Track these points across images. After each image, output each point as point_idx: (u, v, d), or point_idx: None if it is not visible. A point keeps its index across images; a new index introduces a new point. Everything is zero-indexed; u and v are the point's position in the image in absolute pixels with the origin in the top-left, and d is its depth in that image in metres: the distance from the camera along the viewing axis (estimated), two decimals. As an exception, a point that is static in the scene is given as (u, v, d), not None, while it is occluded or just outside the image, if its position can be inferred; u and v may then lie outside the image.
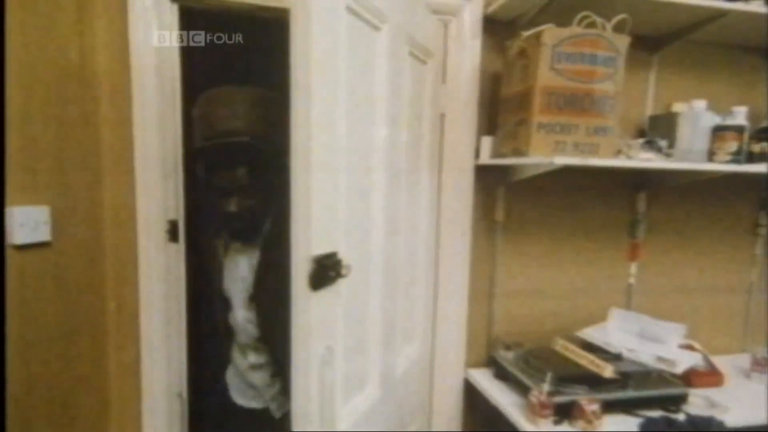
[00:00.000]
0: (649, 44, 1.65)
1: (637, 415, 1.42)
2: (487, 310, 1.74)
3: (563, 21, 1.32)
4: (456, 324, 1.70)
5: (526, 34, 1.32)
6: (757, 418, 1.47)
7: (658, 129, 1.52)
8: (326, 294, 0.91)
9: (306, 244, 0.86)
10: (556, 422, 1.37)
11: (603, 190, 1.74)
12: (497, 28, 1.54)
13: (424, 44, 1.36)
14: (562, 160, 1.24)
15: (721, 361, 1.77)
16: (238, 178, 1.24)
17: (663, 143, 1.46)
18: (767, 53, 1.72)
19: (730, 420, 1.42)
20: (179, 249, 1.39)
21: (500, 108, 1.51)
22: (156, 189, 1.37)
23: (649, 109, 1.67)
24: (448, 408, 1.73)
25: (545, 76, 1.27)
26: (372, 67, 1.09)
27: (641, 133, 1.64)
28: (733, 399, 1.53)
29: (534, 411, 1.37)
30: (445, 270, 1.66)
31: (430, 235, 1.61)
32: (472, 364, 1.74)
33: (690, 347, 1.67)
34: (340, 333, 1.00)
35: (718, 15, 1.40)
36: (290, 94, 0.83)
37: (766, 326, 1.93)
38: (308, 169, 0.84)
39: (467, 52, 1.53)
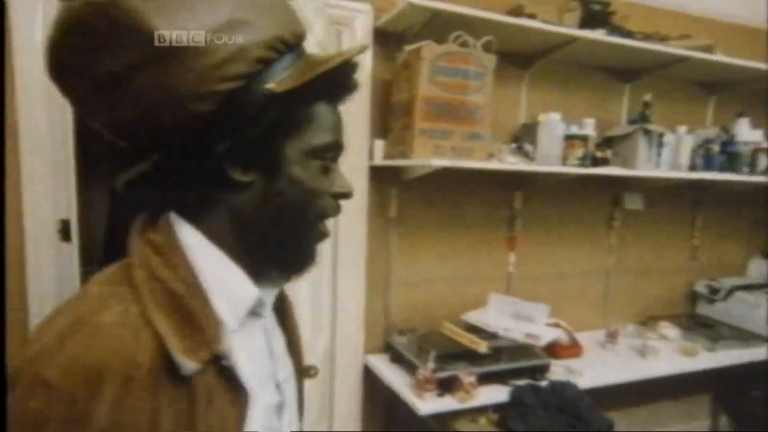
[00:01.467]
0: (521, 61, 1.87)
1: (508, 384, 1.63)
2: (384, 299, 1.88)
3: (443, 37, 1.49)
4: (355, 314, 1.82)
5: (408, 48, 1.47)
6: (605, 380, 1.75)
7: (527, 136, 1.75)
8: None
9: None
10: (440, 395, 1.54)
11: (485, 189, 1.94)
12: (388, 40, 1.68)
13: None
14: (438, 162, 1.40)
15: (583, 336, 2.07)
16: None
17: (530, 148, 1.69)
18: (616, 73, 2.02)
19: (584, 382, 1.68)
20: (72, 249, 1.38)
21: (390, 114, 1.65)
22: (45, 184, 1.34)
23: (522, 118, 1.90)
24: (349, 392, 1.86)
25: (425, 87, 1.43)
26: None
27: (515, 139, 1.87)
28: (588, 366, 1.80)
29: (420, 386, 1.53)
30: (344, 264, 1.78)
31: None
32: (371, 350, 1.87)
33: (557, 325, 1.93)
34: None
35: (569, 40, 1.64)
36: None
37: (621, 305, 2.26)
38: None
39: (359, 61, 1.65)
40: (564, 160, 1.61)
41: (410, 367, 1.66)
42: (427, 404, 1.50)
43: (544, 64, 1.85)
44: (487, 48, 1.48)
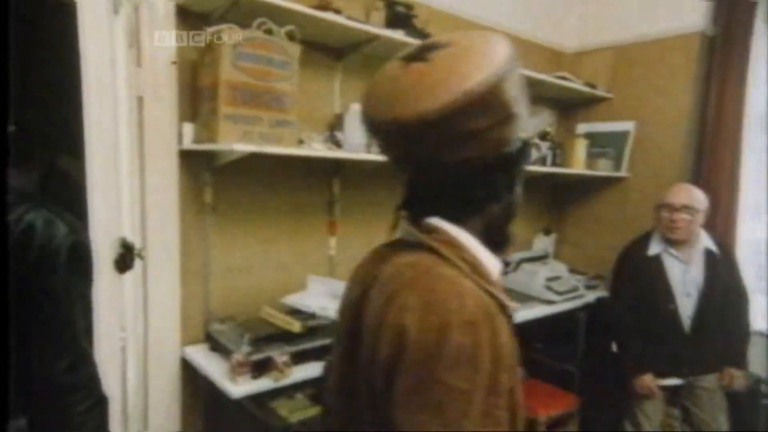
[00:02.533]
0: (334, 53, 1.97)
1: (324, 360, 1.73)
2: (203, 288, 1.83)
3: (249, 23, 1.50)
4: (170, 306, 1.75)
5: (210, 30, 1.45)
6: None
7: (339, 125, 1.85)
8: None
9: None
10: (254, 377, 1.57)
11: (304, 176, 2.01)
12: (192, 19, 1.62)
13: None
14: (243, 148, 1.41)
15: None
16: None
17: (340, 136, 1.79)
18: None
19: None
20: None
21: (198, 97, 1.60)
22: None
23: (337, 108, 2.01)
24: (165, 387, 1.78)
25: (228, 72, 1.42)
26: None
27: (331, 128, 1.96)
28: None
29: (234, 371, 1.54)
30: (155, 255, 1.69)
31: (135, 220, 1.61)
32: (191, 341, 1.81)
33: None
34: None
35: (372, 38, 1.77)
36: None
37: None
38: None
39: (163, 39, 1.57)
40: (369, 148, 1.75)
41: (228, 354, 1.66)
42: (241, 387, 1.52)
43: (355, 57, 1.97)
44: (291, 37, 1.52)
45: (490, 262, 0.72)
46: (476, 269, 0.68)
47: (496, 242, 0.75)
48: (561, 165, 2.61)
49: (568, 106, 2.97)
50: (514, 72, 0.64)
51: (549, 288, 2.52)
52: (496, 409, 0.60)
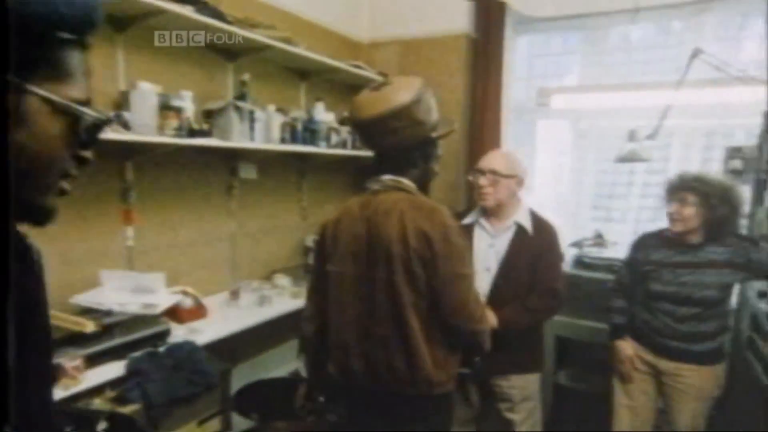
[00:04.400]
0: (115, 23, 1.79)
1: (126, 359, 1.61)
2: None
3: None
4: None
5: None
6: (226, 331, 1.94)
7: (127, 105, 1.70)
8: None
9: None
10: (37, 390, 1.39)
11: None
12: None
13: None
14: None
15: (215, 298, 2.23)
16: None
17: (130, 117, 1.66)
18: (219, 51, 2.19)
19: (205, 338, 1.83)
20: None
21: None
22: None
23: (123, 85, 1.84)
24: None
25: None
26: None
27: (118, 107, 1.79)
28: (211, 324, 1.96)
29: (8, 387, 1.34)
30: None
31: None
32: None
33: (184, 292, 2.01)
34: None
35: (157, 11, 1.67)
36: None
37: (247, 265, 2.53)
38: None
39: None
40: (160, 130, 1.66)
41: None
42: (19, 403, 1.33)
43: (141, 31, 1.82)
44: None
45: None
46: None
47: (424, 189, 1.39)
48: (362, 148, 2.83)
49: (367, 94, 3.22)
50: (424, 96, 1.28)
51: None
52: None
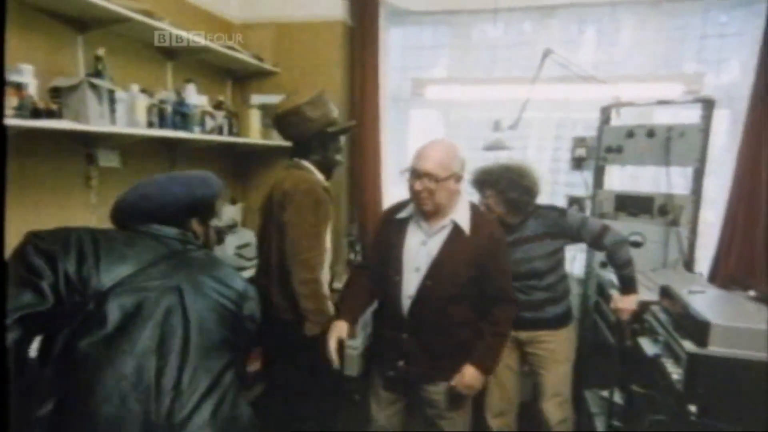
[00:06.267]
0: None
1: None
2: None
3: None
4: None
5: None
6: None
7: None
8: None
9: None
10: None
11: None
12: None
13: None
14: None
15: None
16: None
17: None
18: (67, 20, 1.90)
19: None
20: None
21: None
22: None
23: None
24: None
25: None
26: None
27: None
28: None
29: None
30: None
31: None
32: None
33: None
34: None
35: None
36: None
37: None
38: None
39: None
40: (-4, 110, 1.39)
41: None
42: None
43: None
44: None
45: (320, 177, 1.88)
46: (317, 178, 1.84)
47: (327, 173, 1.92)
48: (238, 135, 2.69)
49: (241, 77, 3.06)
50: (318, 100, 1.85)
51: (240, 255, 2.62)
52: (320, 243, 1.76)
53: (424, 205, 1.62)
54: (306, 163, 1.86)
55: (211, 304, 1.08)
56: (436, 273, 1.62)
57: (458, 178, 1.65)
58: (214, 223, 1.39)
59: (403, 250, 1.68)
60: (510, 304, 1.73)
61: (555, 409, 2.02)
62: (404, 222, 1.73)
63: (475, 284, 1.65)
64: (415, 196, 1.63)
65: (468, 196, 1.79)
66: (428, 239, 1.67)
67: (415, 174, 1.61)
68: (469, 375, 1.64)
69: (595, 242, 1.94)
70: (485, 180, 1.98)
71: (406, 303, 1.65)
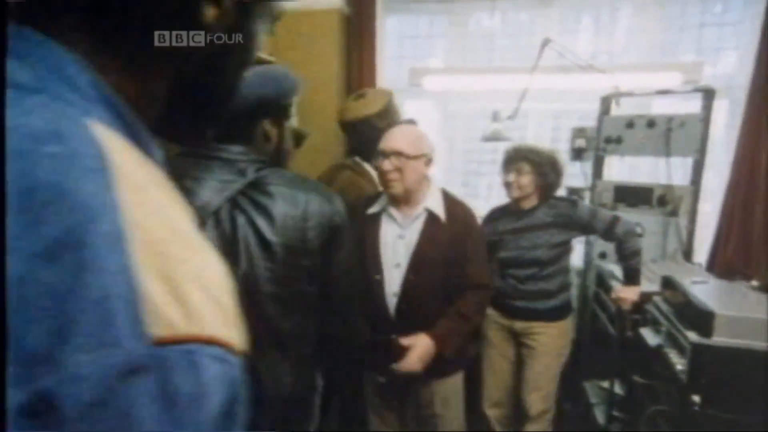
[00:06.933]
0: None
1: None
2: None
3: None
4: None
5: None
6: None
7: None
8: None
9: None
10: None
11: None
12: None
13: None
14: None
15: None
16: None
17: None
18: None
19: None
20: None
21: None
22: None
23: None
24: None
25: None
26: None
27: None
28: None
29: None
30: None
31: None
32: None
33: None
34: None
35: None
36: None
37: None
38: None
39: None
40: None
41: None
42: None
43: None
44: None
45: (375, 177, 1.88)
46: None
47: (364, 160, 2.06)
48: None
49: (236, 67, 3.00)
50: (384, 113, 2.01)
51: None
52: None
53: (393, 188, 1.56)
54: (367, 166, 2.03)
55: None
56: (419, 266, 1.56)
57: (428, 161, 1.60)
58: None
59: (380, 246, 1.61)
60: (485, 289, 1.68)
61: (535, 400, 2.01)
62: (376, 217, 1.65)
63: (455, 271, 1.60)
64: (384, 177, 1.58)
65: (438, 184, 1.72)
66: (404, 231, 1.60)
67: (384, 154, 1.57)
68: (422, 343, 1.53)
69: (608, 232, 1.93)
70: (529, 158, 1.94)
71: (391, 302, 1.59)
